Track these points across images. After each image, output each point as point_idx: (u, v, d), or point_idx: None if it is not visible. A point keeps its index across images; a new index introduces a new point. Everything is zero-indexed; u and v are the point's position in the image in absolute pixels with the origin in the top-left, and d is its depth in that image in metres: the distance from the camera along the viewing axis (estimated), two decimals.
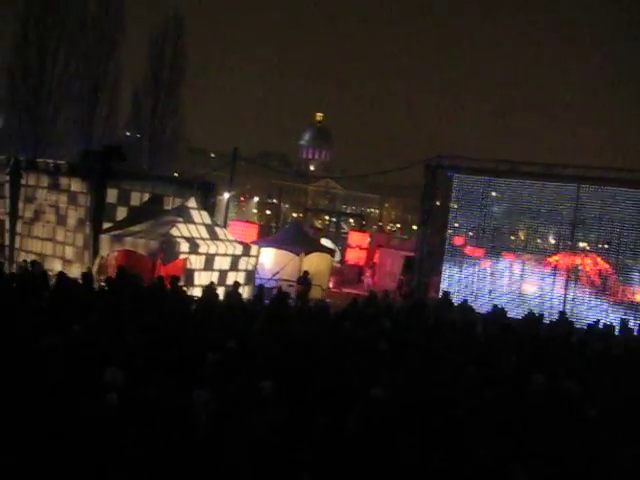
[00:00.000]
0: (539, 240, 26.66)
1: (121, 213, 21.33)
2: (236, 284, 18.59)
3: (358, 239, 39.43)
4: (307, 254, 26.04)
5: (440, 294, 22.94)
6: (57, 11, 40.98)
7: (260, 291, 19.25)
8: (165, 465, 6.32)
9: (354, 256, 37.25)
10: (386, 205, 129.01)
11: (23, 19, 40.72)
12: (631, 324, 20.79)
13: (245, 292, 20.74)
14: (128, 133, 47.76)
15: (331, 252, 29.96)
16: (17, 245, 22.53)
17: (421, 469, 6.90)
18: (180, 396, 7.75)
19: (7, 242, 22.61)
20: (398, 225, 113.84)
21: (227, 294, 17.35)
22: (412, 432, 7.53)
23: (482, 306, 22.72)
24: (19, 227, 22.56)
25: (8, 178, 22.56)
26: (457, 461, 7.03)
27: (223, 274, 20.58)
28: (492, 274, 25.32)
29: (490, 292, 24.96)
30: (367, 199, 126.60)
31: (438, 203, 26.77)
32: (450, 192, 25.81)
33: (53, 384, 7.78)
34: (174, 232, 19.67)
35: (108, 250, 20.14)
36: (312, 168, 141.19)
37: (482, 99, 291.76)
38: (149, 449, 6.40)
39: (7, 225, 22.68)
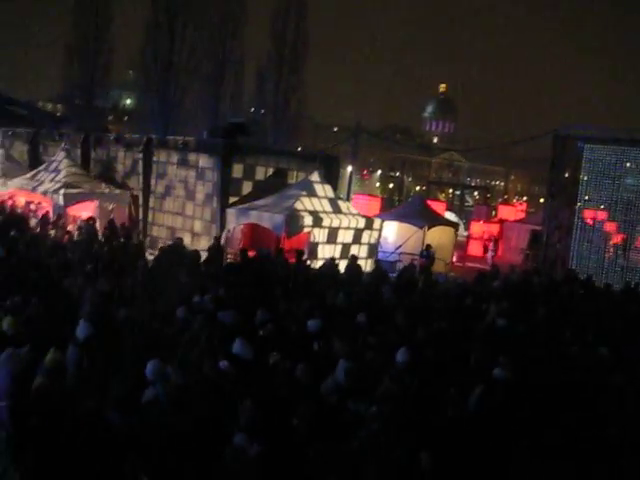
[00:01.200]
0: None
1: (246, 187, 21.86)
2: (353, 257, 18.50)
3: (482, 212, 38.63)
4: (430, 228, 25.77)
5: (566, 272, 22.06)
6: None
7: (381, 265, 19.22)
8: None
9: (478, 230, 36.53)
10: (512, 177, 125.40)
11: (153, 4, 42.25)
12: None
13: (368, 265, 20.80)
14: (252, 109, 48.69)
15: (455, 226, 29.50)
16: (150, 219, 23.58)
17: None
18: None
19: (141, 216, 23.70)
20: (525, 198, 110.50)
21: (346, 267, 17.42)
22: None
23: (614, 283, 21.72)
24: (151, 202, 23.59)
25: (141, 156, 23.59)
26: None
27: (346, 247, 20.70)
28: (625, 249, 24.20)
29: (622, 268, 23.88)
30: (492, 171, 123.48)
31: (567, 175, 25.72)
32: (580, 163, 24.68)
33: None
34: (298, 206, 19.92)
35: (234, 223, 20.71)
36: (435, 140, 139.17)
37: (612, 66, 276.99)
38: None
39: (140, 200, 23.76)
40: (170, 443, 5.86)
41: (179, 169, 22.74)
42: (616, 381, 8.43)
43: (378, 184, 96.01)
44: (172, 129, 37.84)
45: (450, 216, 35.32)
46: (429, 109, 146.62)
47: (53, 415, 5.79)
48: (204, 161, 21.88)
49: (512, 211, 42.09)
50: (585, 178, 24.78)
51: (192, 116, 41.88)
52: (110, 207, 23.19)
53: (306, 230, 19.71)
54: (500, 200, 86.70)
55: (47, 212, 21.92)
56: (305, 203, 20.28)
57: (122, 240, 18.56)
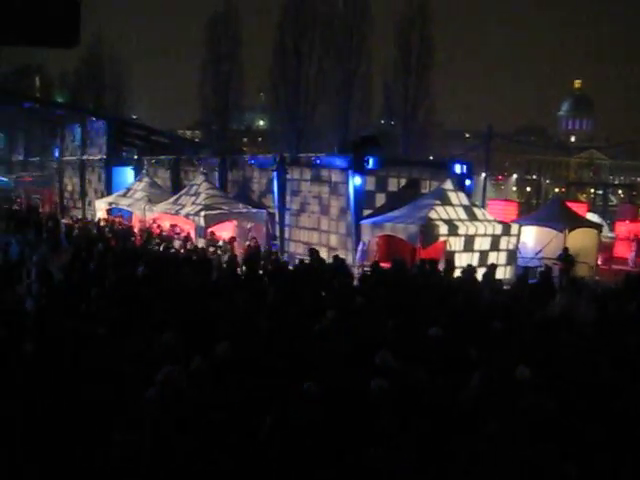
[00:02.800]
0: None
1: (380, 199, 21.93)
2: (492, 266, 18.07)
3: (628, 211, 36.70)
4: (571, 230, 24.79)
5: None
6: (308, 14, 43.25)
7: (525, 271, 18.68)
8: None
9: (624, 230, 34.70)
10: None
11: (280, 26, 43.47)
12: None
13: (507, 272, 20.30)
14: (382, 121, 48.90)
15: (597, 227, 28.21)
16: (287, 236, 24.11)
17: None
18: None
19: (278, 233, 24.27)
20: None
21: (483, 276, 17.06)
22: None
23: None
24: (287, 219, 24.11)
25: (275, 174, 24.20)
26: None
27: (484, 255, 20.28)
28: None
29: None
30: (637, 168, 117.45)
31: None
32: None
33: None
34: (432, 215, 19.75)
35: (369, 236, 20.80)
36: (573, 139, 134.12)
37: None
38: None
39: (277, 217, 24.34)
40: None
41: (312, 185, 23.15)
42: None
43: (515, 188, 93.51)
44: (304, 146, 38.67)
45: (592, 217, 33.76)
46: (564, 107, 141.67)
47: None
48: (336, 176, 22.15)
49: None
50: None
51: (323, 132, 42.63)
52: (248, 226, 23.91)
53: (442, 239, 19.49)
54: None
55: (189, 234, 22.92)
56: (439, 212, 20.08)
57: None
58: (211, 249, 20.70)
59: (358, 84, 44.48)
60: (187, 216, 23.83)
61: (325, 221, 22.72)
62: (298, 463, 5.92)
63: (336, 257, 18.40)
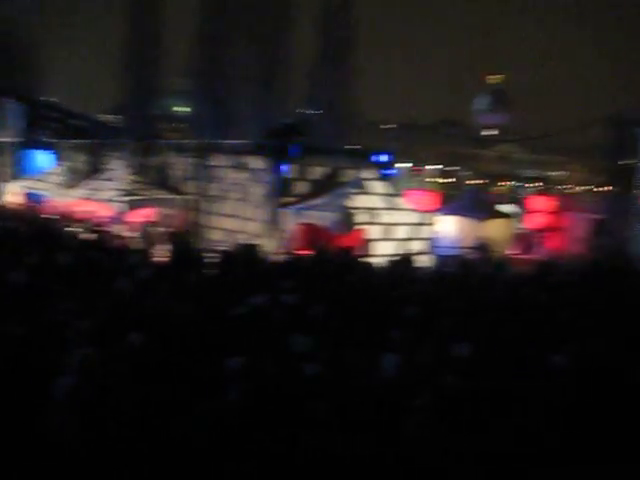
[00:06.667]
0: None
1: (301, 187, 21.99)
2: (407, 254, 18.50)
3: (540, 203, 37.89)
4: (487, 220, 25.51)
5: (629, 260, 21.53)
6: None
7: (442, 260, 19.16)
8: None
9: (536, 221, 35.86)
10: (570, 167, 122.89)
11: (202, 10, 42.78)
12: None
13: (425, 261, 20.71)
14: (303, 110, 48.90)
15: (512, 218, 29.12)
16: (206, 223, 23.91)
17: None
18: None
19: (198, 220, 24.05)
20: (584, 187, 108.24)
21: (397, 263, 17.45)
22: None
23: None
24: (208, 206, 23.91)
25: (196, 161, 23.95)
26: None
27: (403, 243, 20.63)
28: None
29: None
30: (549, 161, 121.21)
31: (628, 161, 25.10)
32: (637, 148, 24.05)
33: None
34: (352, 203, 19.95)
35: (290, 224, 20.85)
36: (489, 133, 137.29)
37: None
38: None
39: (198, 204, 24.11)
40: None
41: (233, 172, 23.02)
42: None
43: (433, 179, 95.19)
44: (225, 133, 38.28)
45: (508, 208, 34.76)
46: (482, 101, 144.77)
47: None
48: (258, 163, 22.09)
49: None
50: None
51: (244, 119, 42.30)
52: (169, 212, 23.61)
53: (362, 227, 19.72)
54: (559, 190, 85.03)
55: (107, 219, 22.47)
56: (359, 200, 20.32)
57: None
58: (131, 235, 20.36)
59: (280, 71, 44.25)
60: (106, 201, 23.34)
61: (246, 208, 22.63)
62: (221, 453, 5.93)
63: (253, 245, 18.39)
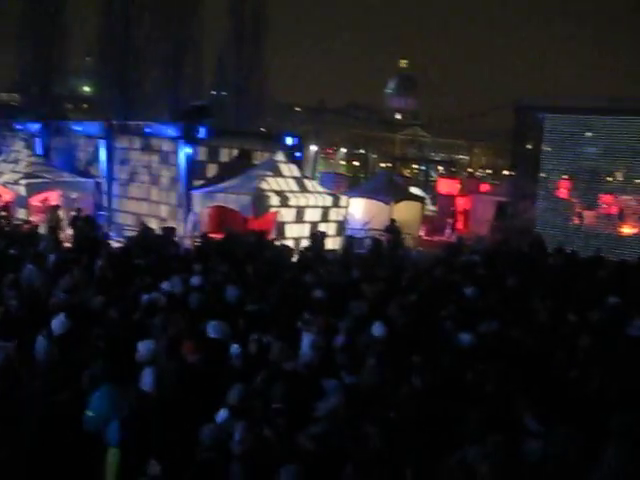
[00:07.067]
0: (639, 180, 25.37)
1: (211, 170, 21.73)
2: (319, 234, 18.74)
3: (447, 186, 38.80)
4: (397, 203, 25.90)
5: (533, 240, 22.31)
6: None
7: (349, 241, 19.37)
8: None
9: (444, 204, 36.70)
10: (475, 151, 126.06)
11: None
12: None
13: (336, 243, 20.86)
14: (214, 92, 48.20)
15: (421, 200, 29.68)
16: (115, 206, 23.33)
17: None
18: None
19: (106, 203, 23.42)
20: (489, 170, 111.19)
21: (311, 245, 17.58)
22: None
23: (579, 250, 21.95)
24: (115, 189, 23.31)
25: (102, 142, 23.27)
26: None
27: (314, 226, 20.71)
28: (588, 217, 24.50)
29: (586, 235, 24.18)
30: (456, 145, 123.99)
31: (530, 146, 25.91)
32: (541, 134, 24.86)
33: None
34: (264, 186, 19.87)
35: (200, 207, 20.60)
36: (399, 117, 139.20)
37: (571, 35, 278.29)
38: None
39: (104, 187, 23.46)
40: None
41: (142, 154, 22.50)
42: (584, 344, 8.56)
43: (343, 162, 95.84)
44: (133, 114, 37.32)
45: (416, 191, 35.43)
46: (391, 85, 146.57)
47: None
48: (167, 145, 21.66)
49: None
50: (548, 149, 24.97)
51: (153, 100, 41.33)
52: (74, 196, 22.89)
53: (273, 210, 19.67)
54: (464, 173, 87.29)
55: (8, 203, 21.61)
56: (271, 183, 20.24)
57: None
58: (34, 219, 19.67)
59: (190, 52, 43.42)
60: (5, 185, 22.43)
61: (155, 191, 22.18)
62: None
63: (164, 229, 18.12)
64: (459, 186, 39.36)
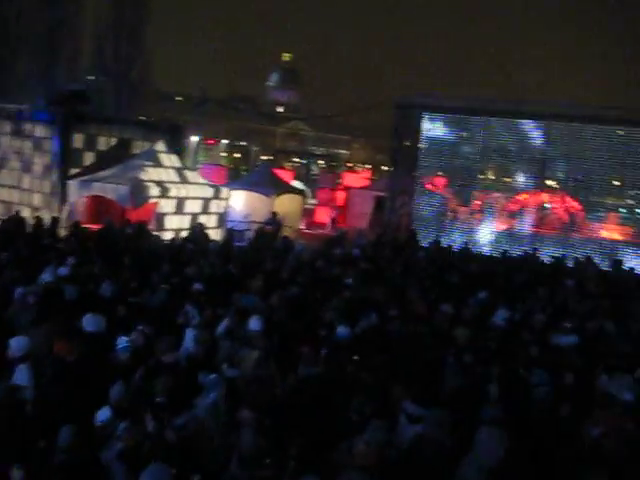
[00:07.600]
0: (509, 178, 26.62)
1: (88, 158, 21.09)
2: (200, 225, 18.65)
3: (327, 180, 39.31)
4: (278, 196, 26.02)
5: (409, 234, 23.00)
6: None
7: (230, 233, 19.35)
8: None
9: (325, 197, 37.17)
10: (355, 146, 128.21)
11: None
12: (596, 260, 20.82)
13: (217, 235, 20.73)
14: (92, 77, 46.68)
15: (302, 193, 29.93)
16: None
17: None
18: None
19: None
20: (368, 166, 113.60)
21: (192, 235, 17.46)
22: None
23: (453, 244, 22.80)
24: None
25: None
26: None
27: (194, 217, 20.50)
28: (462, 213, 25.48)
29: (461, 231, 25.13)
30: (336, 140, 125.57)
31: (408, 143, 26.59)
32: (420, 132, 25.60)
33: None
34: (143, 176, 19.50)
35: (76, 196, 19.94)
36: (280, 110, 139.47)
37: (449, 39, 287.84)
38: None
39: None
40: None
41: (13, 140, 21.52)
42: (458, 334, 8.93)
43: (224, 154, 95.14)
44: (3, 96, 35.57)
45: (297, 184, 35.67)
46: (273, 78, 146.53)
47: None
48: (41, 131, 20.81)
49: (357, 178, 42.99)
50: (425, 146, 25.72)
51: (26, 83, 39.55)
52: None
53: (153, 201, 19.33)
54: (344, 168, 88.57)
55: None
56: (151, 173, 19.88)
57: None
58: None
59: (67, 34, 41.82)
60: None
61: (27, 179, 21.25)
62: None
63: (37, 217, 17.45)
64: (338, 180, 40.03)
